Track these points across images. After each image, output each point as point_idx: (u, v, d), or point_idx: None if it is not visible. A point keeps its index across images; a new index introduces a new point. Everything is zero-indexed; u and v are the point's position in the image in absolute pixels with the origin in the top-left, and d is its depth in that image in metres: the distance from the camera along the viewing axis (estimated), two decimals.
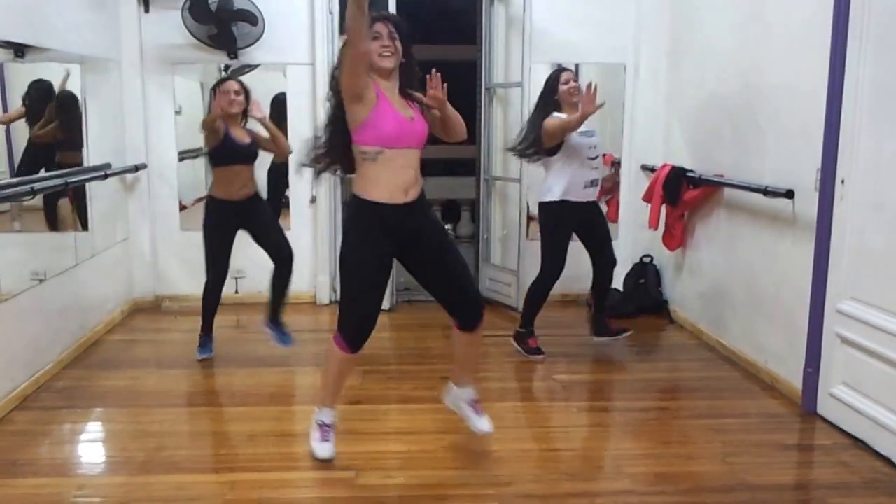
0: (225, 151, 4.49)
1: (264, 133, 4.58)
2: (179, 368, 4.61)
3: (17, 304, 4.13)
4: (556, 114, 4.54)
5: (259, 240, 4.67)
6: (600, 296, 4.98)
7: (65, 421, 3.90)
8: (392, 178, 3.12)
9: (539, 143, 4.57)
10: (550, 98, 4.59)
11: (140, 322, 5.67)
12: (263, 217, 4.69)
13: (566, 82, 4.58)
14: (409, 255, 3.26)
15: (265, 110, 4.72)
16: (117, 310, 5.63)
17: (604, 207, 6.22)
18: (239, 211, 4.55)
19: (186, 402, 4.26)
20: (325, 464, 3.39)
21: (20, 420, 3.86)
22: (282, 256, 4.68)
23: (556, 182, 4.62)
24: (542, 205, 4.71)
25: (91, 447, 3.75)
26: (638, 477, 3.31)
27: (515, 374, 4.64)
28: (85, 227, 5.18)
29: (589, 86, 4.30)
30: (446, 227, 8.14)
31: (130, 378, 4.47)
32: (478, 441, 3.61)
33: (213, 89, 4.65)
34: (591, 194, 4.70)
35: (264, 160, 6.32)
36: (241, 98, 4.50)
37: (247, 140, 4.57)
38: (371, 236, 3.16)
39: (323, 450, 3.35)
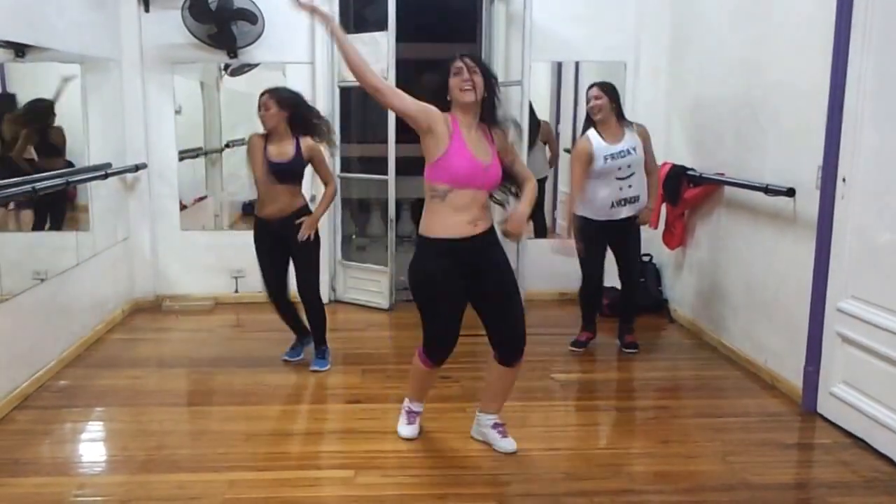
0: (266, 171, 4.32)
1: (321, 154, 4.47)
2: (180, 368, 4.62)
3: (19, 304, 4.14)
4: (589, 136, 4.63)
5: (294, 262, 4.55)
6: (619, 311, 5.17)
7: (66, 420, 3.91)
8: (459, 216, 3.20)
9: None
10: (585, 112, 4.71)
11: (141, 321, 5.68)
12: (297, 245, 4.45)
13: (588, 101, 4.65)
14: (472, 283, 3.32)
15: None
16: (118, 309, 5.64)
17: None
18: (274, 231, 4.41)
19: (187, 401, 4.26)
20: (325, 462, 3.40)
21: (21, 419, 3.86)
22: (301, 295, 4.55)
23: (585, 200, 4.70)
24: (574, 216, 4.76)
25: (92, 446, 3.76)
26: (637, 476, 3.31)
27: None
28: (59, 227, 5.15)
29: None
30: None
31: (131, 377, 4.48)
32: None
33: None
34: (616, 213, 4.72)
35: None
36: (274, 111, 4.26)
37: (286, 157, 4.32)
38: (438, 264, 3.25)
39: (406, 430, 3.60)
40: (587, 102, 4.65)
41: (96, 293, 5.24)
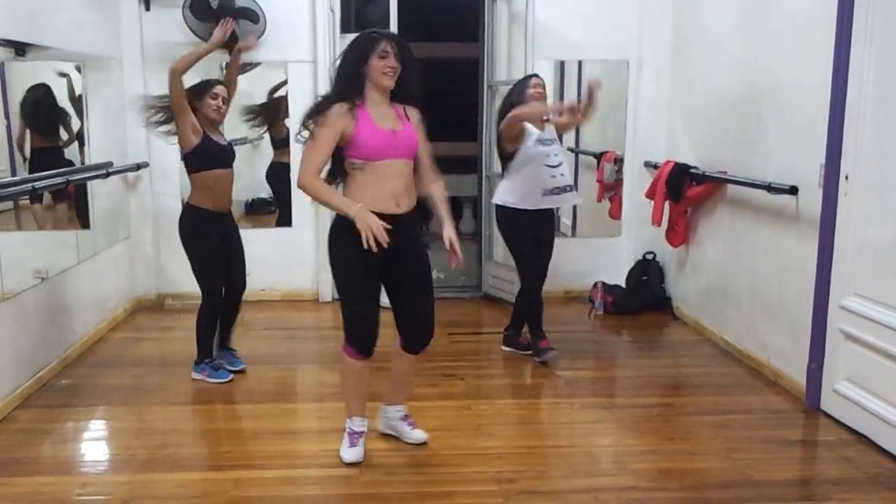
0: (207, 154, 4.22)
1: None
2: (183, 366, 4.60)
3: (20, 303, 4.14)
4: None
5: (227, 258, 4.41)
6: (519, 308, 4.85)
7: (68, 419, 3.91)
8: (381, 188, 3.15)
9: (500, 147, 4.58)
10: (518, 100, 4.47)
11: (143, 320, 5.68)
12: (235, 235, 4.44)
13: (534, 86, 4.48)
14: (387, 264, 3.22)
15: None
16: (120, 308, 5.63)
17: (606, 204, 6.26)
18: (221, 224, 4.35)
19: (190, 399, 4.24)
20: (329, 461, 3.40)
21: (23, 418, 3.86)
22: (240, 285, 4.50)
23: (511, 189, 4.54)
24: (497, 208, 4.64)
25: (94, 445, 3.75)
26: (642, 473, 3.31)
27: (518, 370, 4.64)
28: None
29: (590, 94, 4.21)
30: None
31: (134, 376, 4.48)
32: (481, 438, 3.63)
33: (207, 84, 4.34)
34: (556, 201, 4.60)
35: (264, 161, 6.35)
36: (226, 109, 4.32)
37: (224, 141, 4.37)
38: (359, 249, 3.07)
39: (348, 454, 3.37)
40: (531, 88, 4.46)
41: (98, 292, 5.23)
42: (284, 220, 6.18)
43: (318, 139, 3.12)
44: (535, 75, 4.66)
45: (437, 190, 3.35)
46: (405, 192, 3.21)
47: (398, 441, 3.59)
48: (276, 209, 6.45)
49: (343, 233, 3.15)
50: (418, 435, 3.53)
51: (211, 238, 4.28)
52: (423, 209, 3.37)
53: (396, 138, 3.16)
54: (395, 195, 3.17)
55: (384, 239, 3.00)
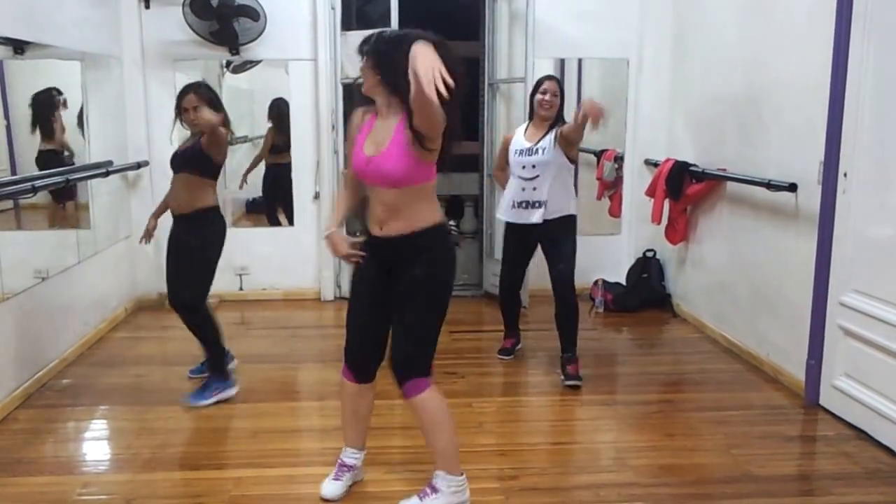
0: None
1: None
2: (184, 365, 4.60)
3: (20, 303, 4.14)
4: (519, 128, 4.52)
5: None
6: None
7: (69, 419, 3.91)
8: (371, 209, 2.91)
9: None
10: (530, 102, 4.46)
11: (144, 319, 5.68)
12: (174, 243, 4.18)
13: (543, 92, 4.33)
14: (390, 285, 2.95)
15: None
16: (121, 307, 5.64)
17: (606, 202, 6.26)
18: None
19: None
20: (330, 459, 3.37)
21: (24, 418, 3.87)
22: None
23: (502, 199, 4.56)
24: None
25: (95, 445, 3.76)
26: (642, 469, 3.32)
27: (519, 368, 4.65)
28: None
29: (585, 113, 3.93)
30: (450, 223, 8.18)
31: (135, 375, 4.49)
32: (482, 435, 3.65)
33: (179, 97, 4.09)
34: (523, 216, 4.38)
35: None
36: (205, 114, 3.98)
37: (187, 145, 4.12)
38: (366, 259, 2.98)
39: (324, 487, 3.11)
40: (540, 94, 4.33)
41: (99, 291, 5.24)
42: (274, 221, 6.25)
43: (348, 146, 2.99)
44: (549, 78, 4.46)
45: None
46: (388, 219, 2.84)
47: (399, 439, 3.60)
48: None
49: (363, 246, 3.01)
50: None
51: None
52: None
53: (368, 165, 2.81)
54: (378, 221, 2.87)
55: (351, 260, 2.96)
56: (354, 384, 3.09)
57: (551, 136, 4.31)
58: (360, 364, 3.06)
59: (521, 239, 4.48)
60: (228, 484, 3.19)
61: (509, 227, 4.53)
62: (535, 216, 4.32)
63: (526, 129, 4.45)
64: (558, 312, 4.41)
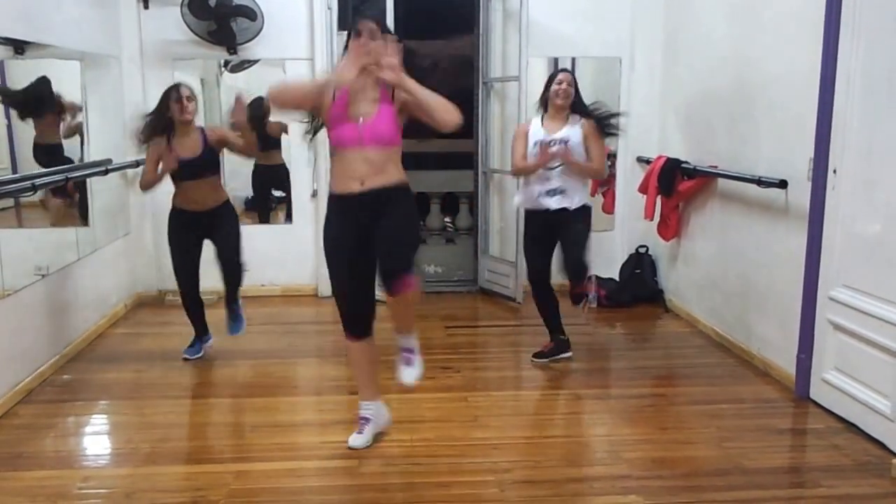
0: (176, 172, 4.36)
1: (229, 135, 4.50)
2: (183, 361, 4.65)
3: (21, 299, 4.18)
4: (534, 119, 4.53)
5: (217, 253, 4.60)
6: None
7: (69, 414, 3.95)
8: (345, 171, 3.21)
9: None
10: (544, 95, 4.51)
11: (144, 315, 5.72)
12: (221, 227, 4.55)
13: (560, 83, 4.41)
14: (370, 237, 3.23)
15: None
16: (121, 304, 5.68)
17: (599, 199, 6.30)
18: (200, 222, 4.48)
19: (190, 393, 4.30)
20: (329, 453, 3.45)
21: (25, 413, 3.90)
22: (226, 268, 4.60)
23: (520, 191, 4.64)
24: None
25: (96, 439, 3.79)
26: (635, 462, 3.37)
27: (513, 362, 4.70)
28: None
29: (548, 145, 4.29)
30: (445, 219, 8.22)
31: (135, 371, 4.52)
32: (477, 429, 3.69)
33: (168, 93, 4.38)
34: (547, 203, 4.46)
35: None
36: (194, 105, 4.37)
37: (197, 152, 4.38)
38: (337, 225, 3.29)
39: (353, 440, 3.46)
40: (556, 85, 4.40)
41: (98, 288, 5.28)
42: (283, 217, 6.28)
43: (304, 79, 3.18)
44: (563, 70, 4.60)
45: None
46: (373, 174, 3.18)
47: (396, 432, 3.63)
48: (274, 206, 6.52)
49: (331, 212, 3.30)
50: (405, 375, 3.43)
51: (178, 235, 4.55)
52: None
53: (361, 131, 3.16)
54: (361, 177, 3.18)
55: (377, 57, 3.06)
56: (356, 340, 3.44)
57: (578, 128, 4.39)
58: (360, 323, 3.42)
59: (542, 227, 4.52)
60: (228, 477, 3.22)
61: (531, 216, 4.57)
62: (559, 203, 4.43)
63: (542, 121, 4.49)
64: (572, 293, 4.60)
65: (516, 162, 4.47)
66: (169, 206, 4.52)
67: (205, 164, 4.41)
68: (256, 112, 5.09)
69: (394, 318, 3.38)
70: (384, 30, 3.24)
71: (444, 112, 3.14)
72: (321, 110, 3.26)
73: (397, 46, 3.11)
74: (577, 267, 4.41)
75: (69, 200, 5.16)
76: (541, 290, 4.63)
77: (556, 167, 4.39)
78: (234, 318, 4.76)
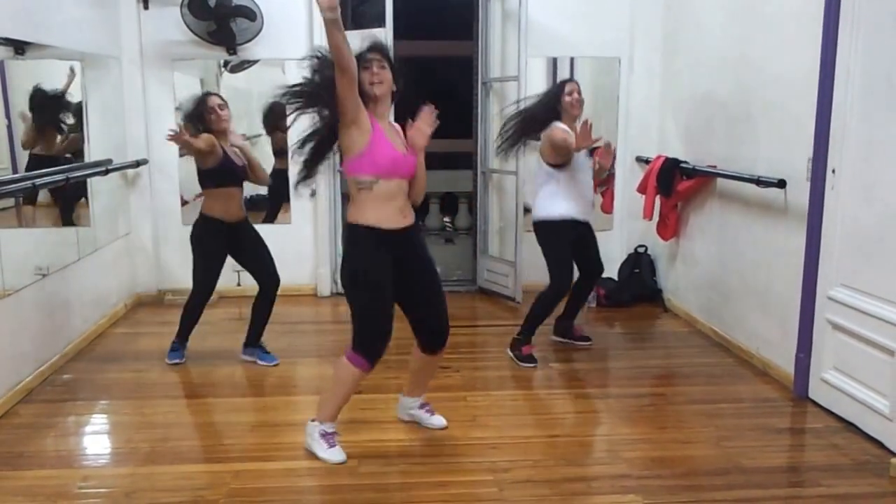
0: (224, 172, 4.40)
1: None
2: (182, 361, 4.66)
3: (21, 299, 4.18)
4: (558, 124, 4.46)
5: (247, 263, 4.68)
6: (578, 301, 4.93)
7: (69, 413, 3.95)
8: (389, 205, 3.23)
9: (528, 133, 4.63)
10: (553, 104, 4.51)
11: (143, 315, 5.73)
12: (253, 240, 4.62)
13: (570, 93, 4.46)
14: (400, 276, 3.29)
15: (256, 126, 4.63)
16: (121, 303, 5.69)
17: (598, 199, 6.30)
18: (236, 234, 4.51)
19: (190, 393, 4.30)
20: None
21: (25, 413, 3.90)
22: (271, 282, 4.66)
23: (559, 199, 4.56)
24: (544, 223, 4.61)
25: (96, 439, 3.79)
26: (634, 461, 3.37)
27: (512, 362, 4.69)
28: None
29: (585, 122, 4.18)
30: (444, 219, 8.25)
31: (134, 370, 4.53)
32: (476, 429, 3.69)
33: (200, 104, 4.40)
34: (587, 212, 4.69)
35: (264, 159, 6.38)
36: (227, 112, 4.40)
37: (243, 160, 4.50)
38: (377, 256, 3.24)
39: (335, 454, 3.37)
40: (568, 96, 4.45)
41: (98, 288, 5.28)
42: (283, 217, 6.27)
43: None
44: (569, 81, 4.63)
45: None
46: (407, 206, 3.32)
47: (395, 432, 3.65)
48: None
49: (365, 246, 3.24)
50: (437, 421, 3.66)
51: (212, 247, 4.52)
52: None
53: (406, 161, 3.26)
54: (401, 210, 3.27)
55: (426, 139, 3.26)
56: (367, 371, 3.32)
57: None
58: (384, 351, 3.32)
59: (576, 236, 4.62)
60: (227, 477, 3.22)
61: (572, 225, 4.58)
62: (591, 212, 4.71)
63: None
64: (583, 286, 4.83)
65: (571, 140, 4.34)
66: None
67: (245, 173, 4.51)
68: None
69: (424, 374, 3.58)
70: (388, 61, 3.25)
71: (423, 189, 3.39)
72: (357, 126, 3.14)
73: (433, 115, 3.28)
74: (601, 268, 4.83)
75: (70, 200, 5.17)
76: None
77: (589, 176, 4.63)
78: (265, 349, 4.72)
